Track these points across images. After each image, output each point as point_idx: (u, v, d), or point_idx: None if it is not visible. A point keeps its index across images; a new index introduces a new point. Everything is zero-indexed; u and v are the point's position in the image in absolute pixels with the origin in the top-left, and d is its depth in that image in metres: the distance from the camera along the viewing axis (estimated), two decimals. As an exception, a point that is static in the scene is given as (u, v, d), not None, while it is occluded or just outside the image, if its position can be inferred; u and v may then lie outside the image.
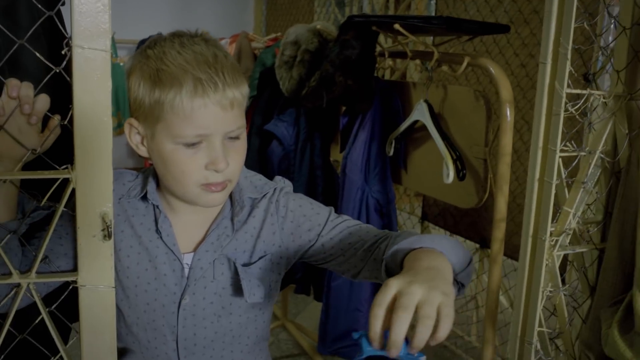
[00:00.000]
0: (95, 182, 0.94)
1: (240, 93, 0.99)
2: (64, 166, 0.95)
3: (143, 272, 1.07)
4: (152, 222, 1.09)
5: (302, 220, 1.10)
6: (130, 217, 1.09)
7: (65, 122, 0.93)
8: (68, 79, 0.92)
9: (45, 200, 0.96)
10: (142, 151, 1.05)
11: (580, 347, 1.46)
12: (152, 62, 0.98)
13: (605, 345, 1.32)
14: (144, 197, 1.09)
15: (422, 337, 0.71)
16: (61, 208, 0.95)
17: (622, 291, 1.35)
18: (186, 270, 1.07)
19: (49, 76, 0.95)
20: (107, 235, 0.96)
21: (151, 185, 1.09)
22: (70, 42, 0.87)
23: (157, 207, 1.09)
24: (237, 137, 1.02)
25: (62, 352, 1.01)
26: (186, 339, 1.09)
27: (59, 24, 0.96)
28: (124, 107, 4.46)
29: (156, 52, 0.99)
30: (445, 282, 0.78)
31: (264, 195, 1.12)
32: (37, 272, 0.96)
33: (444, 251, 0.86)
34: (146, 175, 1.13)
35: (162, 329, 1.08)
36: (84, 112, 0.91)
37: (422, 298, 0.73)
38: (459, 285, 0.92)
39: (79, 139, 0.92)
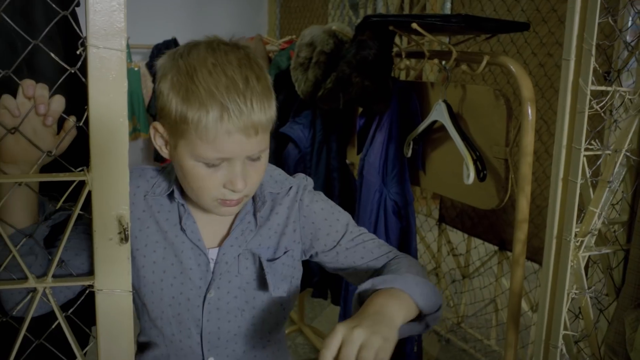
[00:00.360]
0: (112, 184, 0.92)
1: (266, 118, 0.98)
2: (80, 168, 0.93)
3: (169, 266, 1.08)
4: (177, 218, 1.09)
5: (323, 225, 1.13)
6: (156, 213, 1.10)
7: (81, 124, 0.91)
8: (83, 79, 0.90)
9: (62, 203, 0.94)
10: (165, 154, 1.05)
11: (605, 350, 1.42)
12: (182, 77, 0.96)
13: (631, 350, 1.28)
14: (170, 195, 1.10)
15: None
16: (77, 211, 0.93)
17: (648, 293, 1.32)
18: (212, 265, 1.08)
19: (64, 77, 0.93)
20: (124, 239, 0.94)
21: (177, 184, 1.09)
22: (85, 41, 0.86)
23: (183, 205, 1.09)
24: (258, 158, 1.02)
25: (79, 358, 0.99)
26: (210, 332, 1.10)
27: (73, 23, 0.94)
28: (139, 112, 4.46)
29: (188, 66, 0.96)
30: (388, 328, 0.86)
31: (287, 191, 1.13)
32: (53, 277, 0.94)
33: (413, 295, 0.93)
34: (168, 170, 1.13)
35: (187, 323, 1.09)
36: (100, 112, 0.90)
37: (363, 342, 0.82)
38: (426, 325, 0.99)
39: (95, 140, 0.90)
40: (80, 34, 0.91)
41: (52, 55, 0.92)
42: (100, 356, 0.97)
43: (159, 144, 1.05)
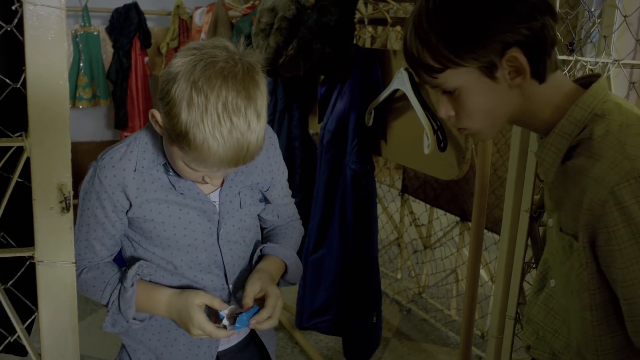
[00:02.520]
0: (52, 150, 0.88)
1: (257, 152, 1.07)
2: (18, 134, 0.89)
3: (177, 220, 1.18)
4: (169, 181, 1.17)
5: (280, 176, 1.32)
6: (150, 183, 1.16)
7: (18, 85, 0.86)
8: (20, 37, 0.85)
9: (-2, 170, 0.89)
10: (158, 130, 1.10)
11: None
12: (193, 107, 0.99)
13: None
14: (158, 166, 1.17)
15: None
16: (15, 179, 0.89)
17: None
18: (217, 206, 1.21)
19: (-1, 35, 0.88)
20: (66, 208, 0.90)
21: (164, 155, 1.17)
22: (20, -3, 0.81)
23: (174, 174, 1.16)
24: None
25: (19, 332, 0.95)
26: (228, 262, 1.24)
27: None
28: (99, 78, 4.35)
29: (200, 97, 0.99)
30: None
31: None
32: (-10, 247, 0.90)
33: (288, 264, 1.30)
34: (141, 142, 1.16)
35: (206, 261, 1.22)
36: (38, 74, 0.85)
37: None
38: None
39: (33, 103, 0.85)
40: (16, -10, 0.85)
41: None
42: (42, 329, 0.94)
43: (155, 125, 1.09)
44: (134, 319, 1.18)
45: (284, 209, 1.38)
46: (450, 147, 1.75)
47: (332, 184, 2.10)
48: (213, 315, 1.18)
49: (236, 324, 1.14)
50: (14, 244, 1.00)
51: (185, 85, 1.00)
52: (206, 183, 1.14)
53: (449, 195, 2.90)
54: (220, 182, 1.17)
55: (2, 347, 1.05)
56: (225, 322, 1.15)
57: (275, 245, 1.31)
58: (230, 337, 1.28)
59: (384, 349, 2.84)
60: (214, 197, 1.22)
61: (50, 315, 0.93)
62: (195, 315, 1.13)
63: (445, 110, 1.00)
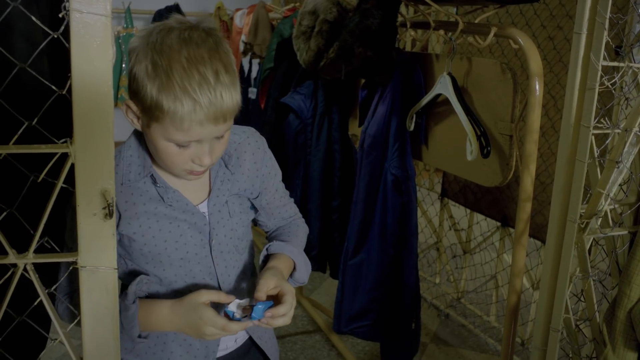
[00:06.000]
0: (96, 157, 0.88)
1: (233, 105, 1.07)
2: (63, 140, 0.89)
3: (167, 234, 1.15)
4: (157, 195, 1.15)
5: (272, 179, 1.31)
6: (138, 196, 1.14)
7: (64, 92, 0.86)
8: (67, 45, 0.85)
9: (43, 176, 0.90)
10: (138, 126, 1.11)
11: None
12: (157, 69, 1.01)
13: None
14: (144, 177, 1.16)
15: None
16: (60, 184, 0.89)
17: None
18: (207, 217, 1.19)
19: (46, 41, 0.88)
20: (109, 214, 0.90)
21: (152, 167, 1.15)
22: (67, 5, 0.81)
23: (161, 186, 1.15)
24: (222, 136, 1.11)
25: (61, 336, 0.96)
26: (222, 274, 1.22)
27: (55, -14, 0.89)
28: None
29: (162, 59, 1.01)
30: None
31: (247, 139, 1.26)
32: (35, 253, 0.91)
33: (296, 262, 1.27)
34: (128, 153, 1.16)
35: (200, 274, 1.20)
36: (84, 81, 0.85)
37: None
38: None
39: (78, 110, 0.85)
40: (63, -2, 0.86)
41: (33, 18, 0.87)
42: (84, 334, 0.94)
43: (131, 117, 1.10)
44: (139, 336, 1.13)
45: (283, 209, 1.37)
46: (493, 153, 1.71)
47: (372, 189, 2.08)
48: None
49: (252, 314, 1.09)
50: (57, 249, 1.00)
51: (145, 52, 1.02)
52: (198, 173, 1.11)
53: (489, 200, 2.85)
54: (210, 161, 1.10)
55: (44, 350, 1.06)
56: (237, 314, 1.11)
57: (282, 243, 1.28)
58: (227, 344, 1.26)
59: (421, 354, 2.81)
60: (203, 207, 1.20)
61: (92, 320, 0.94)
62: (205, 313, 1.08)
63: None
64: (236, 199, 1.24)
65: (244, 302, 1.14)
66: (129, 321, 1.10)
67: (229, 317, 1.11)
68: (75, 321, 0.97)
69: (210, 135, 1.07)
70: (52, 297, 1.00)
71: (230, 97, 1.05)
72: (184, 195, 1.17)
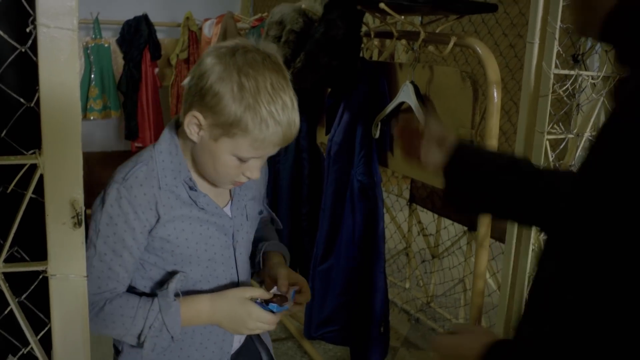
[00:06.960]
0: (65, 167, 0.90)
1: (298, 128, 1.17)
2: (31, 151, 0.91)
3: (198, 236, 1.21)
4: (188, 198, 1.20)
5: (266, 179, 1.40)
6: (174, 200, 1.19)
7: (32, 105, 0.89)
8: (34, 58, 0.88)
9: (12, 187, 0.92)
10: (194, 137, 1.15)
11: None
12: (245, 91, 1.08)
13: None
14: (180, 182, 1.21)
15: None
16: (29, 194, 0.91)
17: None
18: (231, 220, 1.26)
19: (14, 55, 0.90)
20: (78, 223, 0.92)
21: (191, 174, 1.21)
22: (34, 20, 0.83)
23: (196, 189, 1.20)
24: None
25: (32, 344, 0.97)
26: (241, 273, 1.30)
27: (23, 1, 0.91)
28: (109, 90, 4.39)
29: (250, 83, 1.08)
30: None
31: None
32: (4, 262, 0.92)
33: (286, 258, 1.41)
34: (160, 158, 1.19)
35: (223, 274, 1.26)
36: (51, 94, 0.87)
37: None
38: None
39: (46, 122, 0.88)
40: (31, 12, 0.88)
41: (1, 33, 0.89)
42: (54, 342, 0.96)
43: (193, 130, 1.14)
44: None
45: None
46: (455, 158, 1.76)
47: (339, 196, 2.11)
48: None
49: (285, 305, 1.22)
50: (27, 258, 1.02)
51: (230, 73, 1.08)
52: (240, 184, 1.20)
53: (456, 205, 2.91)
54: (259, 175, 1.20)
55: (15, 358, 1.08)
56: (271, 306, 1.21)
57: (276, 242, 1.42)
58: (234, 344, 1.33)
59: (392, 358, 2.85)
60: (227, 211, 1.27)
61: (62, 327, 0.96)
62: (253, 308, 1.19)
63: None
64: (251, 204, 1.32)
65: (269, 294, 1.24)
66: (171, 317, 1.16)
67: (272, 312, 1.21)
68: (46, 329, 0.98)
69: (272, 153, 1.16)
70: (22, 306, 1.02)
71: (298, 121, 1.15)
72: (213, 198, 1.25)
